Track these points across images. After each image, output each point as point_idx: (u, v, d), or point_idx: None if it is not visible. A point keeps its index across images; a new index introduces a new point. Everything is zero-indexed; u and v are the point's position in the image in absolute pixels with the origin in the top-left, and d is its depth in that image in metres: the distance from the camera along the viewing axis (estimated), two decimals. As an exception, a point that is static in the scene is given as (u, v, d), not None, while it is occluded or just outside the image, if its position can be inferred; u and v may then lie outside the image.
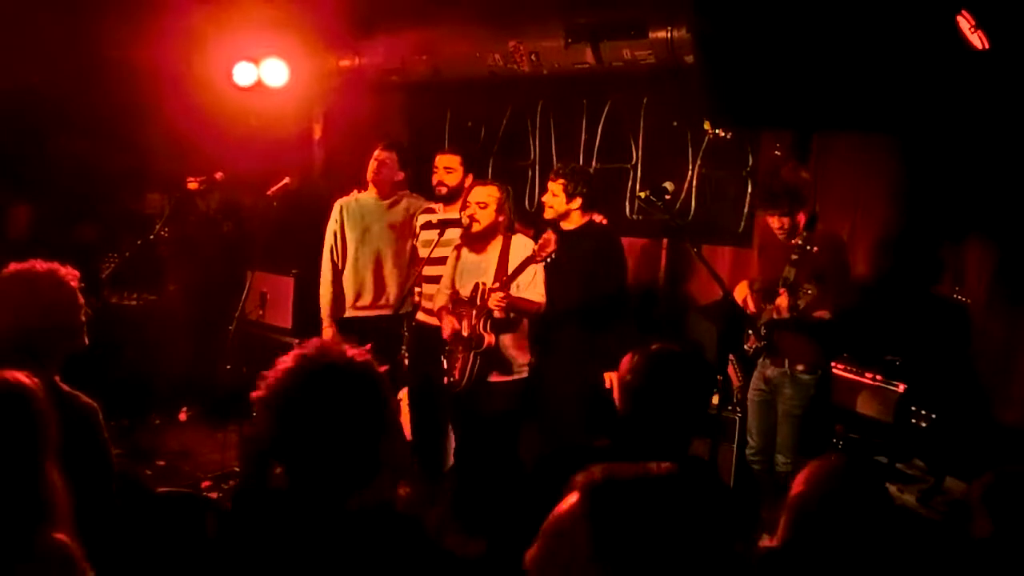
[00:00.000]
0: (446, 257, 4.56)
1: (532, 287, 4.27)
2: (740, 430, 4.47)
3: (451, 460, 4.84)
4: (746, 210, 5.20)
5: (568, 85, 5.64)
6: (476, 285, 4.28)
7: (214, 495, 4.76)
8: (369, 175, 5.00)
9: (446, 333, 4.35)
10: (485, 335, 4.20)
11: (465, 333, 4.25)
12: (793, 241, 4.06)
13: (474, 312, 4.23)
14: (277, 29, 5.93)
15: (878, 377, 4.28)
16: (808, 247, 3.91)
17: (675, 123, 5.43)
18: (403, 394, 4.79)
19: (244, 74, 5.99)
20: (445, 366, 4.35)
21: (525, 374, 4.39)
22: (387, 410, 1.75)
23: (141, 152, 6.25)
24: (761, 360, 4.29)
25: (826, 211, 4.77)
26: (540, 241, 4.11)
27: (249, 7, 5.80)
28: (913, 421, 4.14)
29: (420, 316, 4.79)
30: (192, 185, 5.17)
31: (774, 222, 4.20)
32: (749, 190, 5.19)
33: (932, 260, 4.63)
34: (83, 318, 2.59)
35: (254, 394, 1.74)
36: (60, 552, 1.81)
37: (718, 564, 1.17)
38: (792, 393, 4.22)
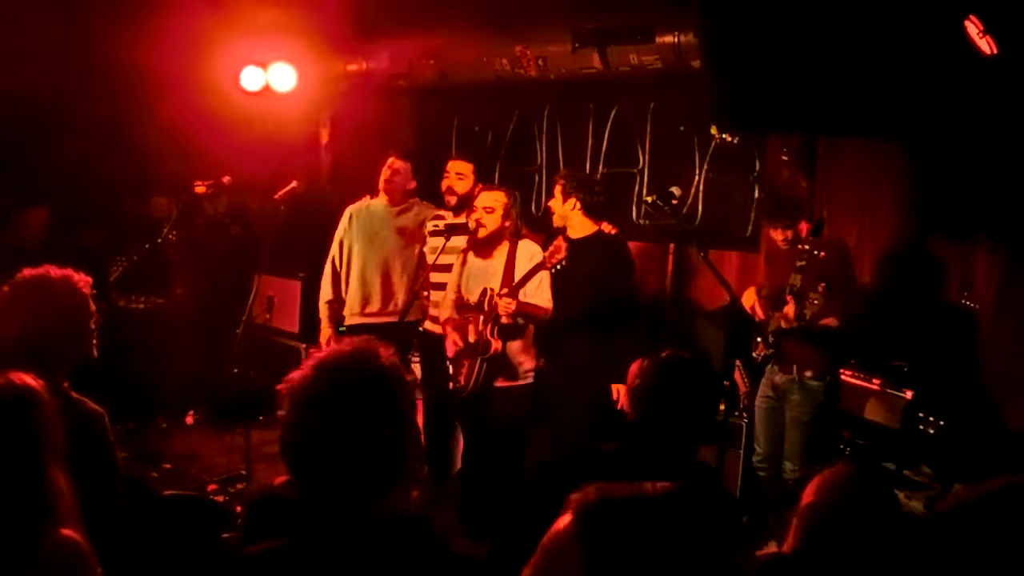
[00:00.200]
0: (453, 264, 4.56)
1: (539, 293, 4.27)
2: (747, 436, 4.46)
3: (458, 464, 4.84)
4: (753, 215, 5.19)
5: (575, 90, 5.64)
6: (484, 291, 4.27)
7: (220, 498, 4.77)
8: (381, 182, 5.02)
9: (449, 352, 4.35)
10: (492, 341, 4.20)
11: (472, 339, 4.25)
12: (799, 247, 4.07)
13: (481, 318, 4.23)
14: (285, 34, 5.95)
15: (886, 384, 4.26)
16: (815, 252, 3.91)
17: (682, 128, 5.43)
18: (411, 399, 4.79)
19: (252, 78, 6.01)
20: (451, 371, 4.35)
21: (531, 380, 4.38)
22: (413, 415, 1.71)
23: (149, 156, 6.28)
24: (769, 367, 4.28)
25: (833, 217, 4.76)
26: (551, 248, 4.10)
27: (257, 12, 5.82)
28: (921, 428, 4.13)
29: (428, 324, 4.79)
30: (200, 189, 5.18)
31: (777, 234, 4.24)
32: (756, 195, 5.18)
33: (940, 266, 4.62)
34: (93, 326, 2.59)
35: (280, 387, 1.69)
36: (68, 549, 1.81)
37: None
38: (800, 400, 4.21)
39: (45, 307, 2.46)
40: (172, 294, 6.35)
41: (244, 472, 4.86)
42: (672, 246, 5.47)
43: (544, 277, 4.25)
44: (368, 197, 5.13)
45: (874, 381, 4.30)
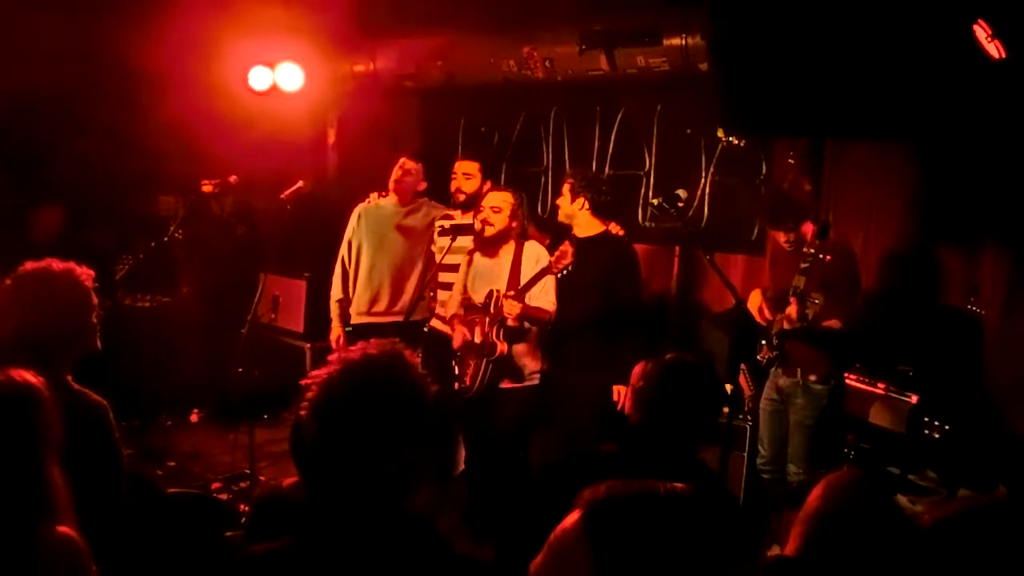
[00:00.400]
0: (459, 264, 4.57)
1: (543, 295, 4.27)
2: (751, 439, 4.45)
3: (460, 466, 4.84)
4: (759, 218, 5.18)
5: (582, 92, 5.64)
6: (489, 292, 4.28)
7: (224, 496, 4.78)
8: (392, 182, 5.03)
9: (456, 343, 4.36)
10: (498, 343, 4.20)
11: (477, 340, 4.25)
12: (805, 249, 4.06)
13: (487, 319, 4.23)
14: (292, 34, 5.96)
15: (891, 388, 4.25)
16: (821, 255, 3.91)
17: (689, 130, 5.42)
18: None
19: (259, 78, 6.02)
20: (456, 372, 4.35)
21: (536, 382, 4.38)
22: (432, 421, 1.66)
23: (156, 155, 6.29)
24: (773, 370, 4.27)
25: (839, 220, 4.75)
26: (556, 253, 4.09)
27: (265, 12, 5.83)
28: (926, 432, 4.11)
29: (434, 323, 4.80)
30: (206, 188, 5.21)
31: (781, 236, 4.24)
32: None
33: (946, 270, 4.60)
34: (95, 320, 2.59)
35: (305, 381, 1.61)
36: (65, 547, 1.81)
37: None
38: (804, 403, 4.20)
39: (47, 300, 2.45)
40: (178, 293, 6.37)
41: (248, 471, 4.87)
42: (678, 249, 5.46)
43: (549, 280, 4.25)
44: (377, 195, 5.14)
45: (879, 385, 4.28)
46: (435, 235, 4.90)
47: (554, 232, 4.78)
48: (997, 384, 4.38)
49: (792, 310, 3.98)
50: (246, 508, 4.43)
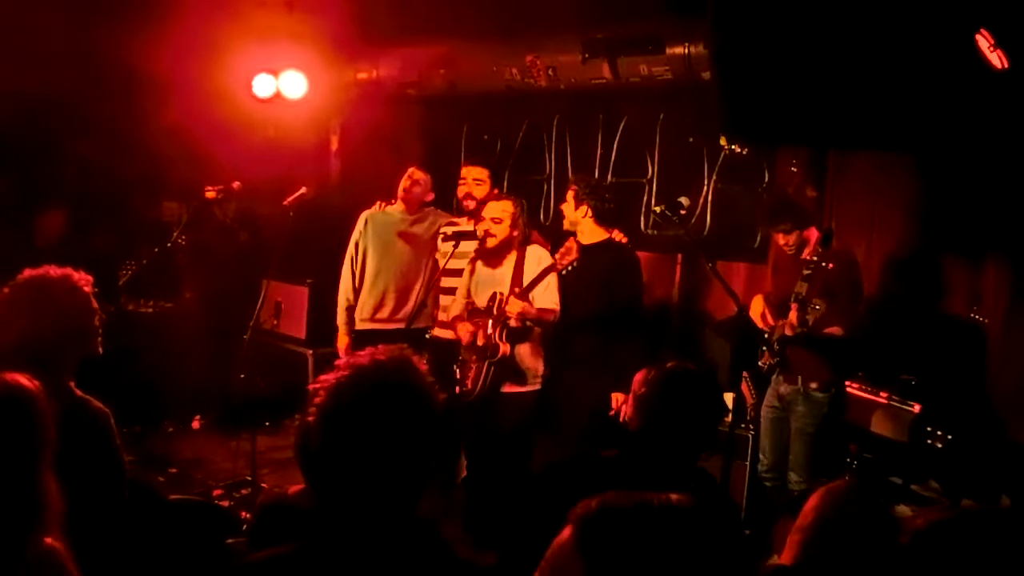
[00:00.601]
0: (462, 270, 4.57)
1: (547, 294, 4.27)
2: (753, 447, 4.44)
3: (463, 471, 4.83)
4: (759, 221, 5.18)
5: (585, 100, 5.65)
6: (493, 294, 4.28)
7: (225, 503, 4.78)
8: (400, 191, 5.04)
9: (465, 340, 4.34)
10: (500, 344, 4.20)
11: (480, 342, 4.25)
12: (805, 255, 4.06)
13: (490, 321, 4.23)
14: (296, 42, 5.98)
15: (893, 397, 4.24)
16: (823, 263, 3.91)
17: (691, 139, 5.43)
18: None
19: (263, 85, 6.04)
20: (458, 375, 4.35)
21: (539, 386, 4.38)
22: (440, 427, 1.64)
23: (160, 161, 6.31)
24: (775, 377, 4.27)
25: (842, 229, 4.75)
26: (562, 249, 4.12)
27: (269, 20, 5.86)
28: (928, 442, 4.10)
29: (436, 330, 4.79)
30: (210, 194, 5.21)
31: (780, 239, 4.24)
32: (765, 206, 5.17)
33: (949, 279, 4.60)
34: (97, 323, 2.58)
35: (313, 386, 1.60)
36: (50, 559, 1.76)
37: None
38: (805, 411, 4.20)
39: (45, 307, 2.44)
40: (181, 298, 6.38)
41: (249, 478, 4.87)
42: (680, 256, 5.47)
43: (552, 279, 4.25)
44: (384, 203, 5.14)
45: (881, 394, 4.28)
46: (439, 242, 4.91)
47: (556, 239, 4.77)
48: (1000, 394, 4.37)
49: (793, 316, 3.98)
50: (247, 515, 4.43)
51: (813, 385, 4.17)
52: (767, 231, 4.56)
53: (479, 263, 4.47)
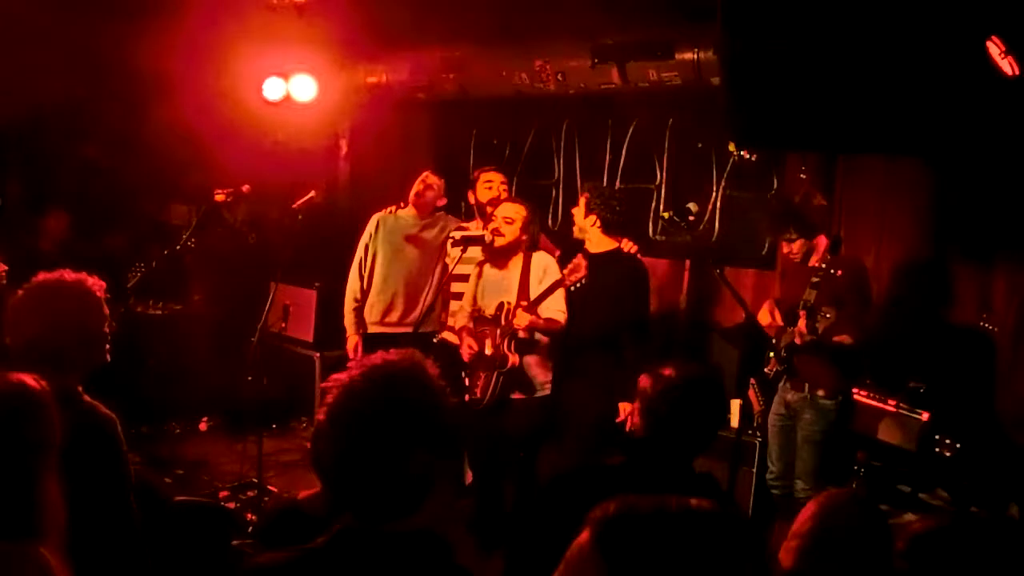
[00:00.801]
0: (470, 274, 4.57)
1: (553, 305, 4.26)
2: (760, 454, 4.43)
3: (469, 477, 4.83)
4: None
5: (594, 105, 5.65)
6: (500, 304, 4.27)
7: (231, 505, 4.78)
8: (412, 195, 5.05)
9: (465, 357, 4.35)
10: (509, 355, 4.20)
11: (488, 352, 4.25)
12: (813, 262, 4.05)
13: (498, 331, 4.23)
14: (306, 45, 6.00)
15: (902, 404, 4.22)
16: (832, 271, 3.89)
17: (700, 144, 5.42)
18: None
19: (273, 89, 6.06)
20: (467, 383, 4.35)
21: (547, 392, 4.37)
22: (450, 430, 1.65)
23: (169, 164, 6.33)
24: (782, 384, 4.26)
25: (851, 235, 4.74)
26: (570, 266, 4.09)
27: (279, 23, 5.87)
28: (937, 450, 4.08)
29: (445, 335, 4.80)
30: (219, 197, 5.22)
31: (785, 247, 4.22)
32: (774, 213, 5.16)
33: (958, 286, 4.58)
34: (108, 330, 2.57)
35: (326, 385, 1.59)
36: (39, 570, 1.69)
37: None
38: (812, 418, 4.18)
39: (59, 311, 2.42)
40: (189, 301, 6.40)
41: (256, 480, 4.87)
42: (688, 262, 5.45)
43: (559, 290, 4.25)
44: (395, 207, 5.15)
45: (889, 402, 4.26)
46: (448, 246, 4.92)
47: (564, 244, 4.78)
48: (1009, 402, 4.35)
49: (802, 323, 3.97)
50: (253, 517, 4.44)
51: (820, 393, 4.16)
52: (774, 238, 4.55)
53: (486, 266, 4.47)
